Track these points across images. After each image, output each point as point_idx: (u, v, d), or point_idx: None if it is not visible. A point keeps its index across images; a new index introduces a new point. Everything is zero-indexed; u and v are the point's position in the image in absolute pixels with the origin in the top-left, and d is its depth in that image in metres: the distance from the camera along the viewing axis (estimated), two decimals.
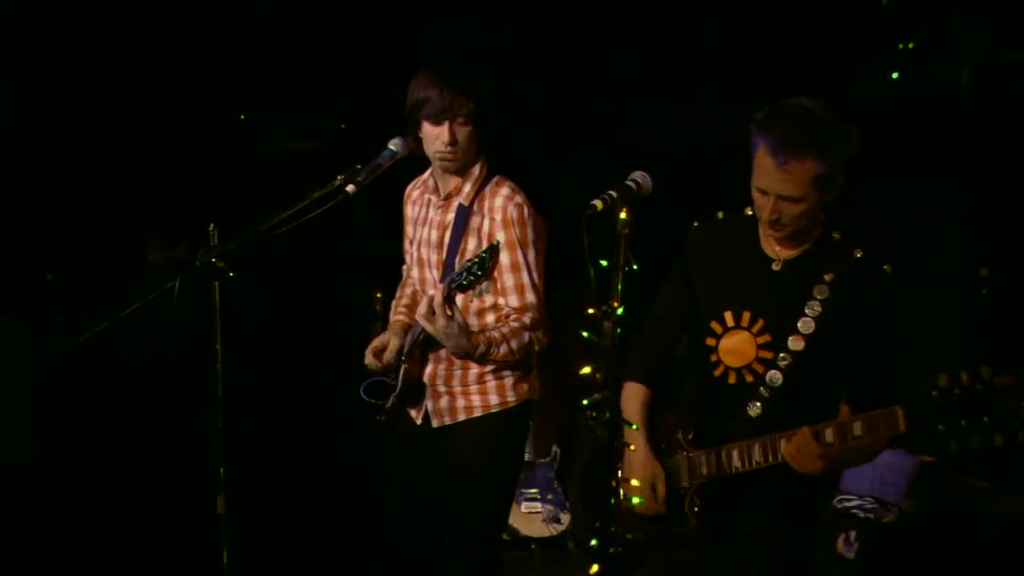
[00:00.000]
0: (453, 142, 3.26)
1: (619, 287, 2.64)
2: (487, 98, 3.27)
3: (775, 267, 2.83)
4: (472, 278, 3.13)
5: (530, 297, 3.31)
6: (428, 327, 3.21)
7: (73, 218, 5.34)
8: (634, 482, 2.94)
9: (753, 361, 2.80)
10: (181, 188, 5.37)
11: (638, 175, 2.78)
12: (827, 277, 2.73)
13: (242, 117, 5.67)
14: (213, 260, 3.03)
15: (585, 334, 3.04)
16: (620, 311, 2.64)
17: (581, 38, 5.54)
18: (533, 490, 4.79)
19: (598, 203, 2.66)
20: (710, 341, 2.87)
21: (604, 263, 2.81)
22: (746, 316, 2.83)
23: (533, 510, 4.76)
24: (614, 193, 2.69)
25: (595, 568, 2.75)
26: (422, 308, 3.18)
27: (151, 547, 4.52)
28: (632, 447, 2.95)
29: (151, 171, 5.40)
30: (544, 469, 4.83)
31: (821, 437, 2.57)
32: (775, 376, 2.76)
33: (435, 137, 3.27)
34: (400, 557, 3.60)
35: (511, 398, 3.43)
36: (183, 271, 3.04)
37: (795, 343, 2.75)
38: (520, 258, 3.30)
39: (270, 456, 4.99)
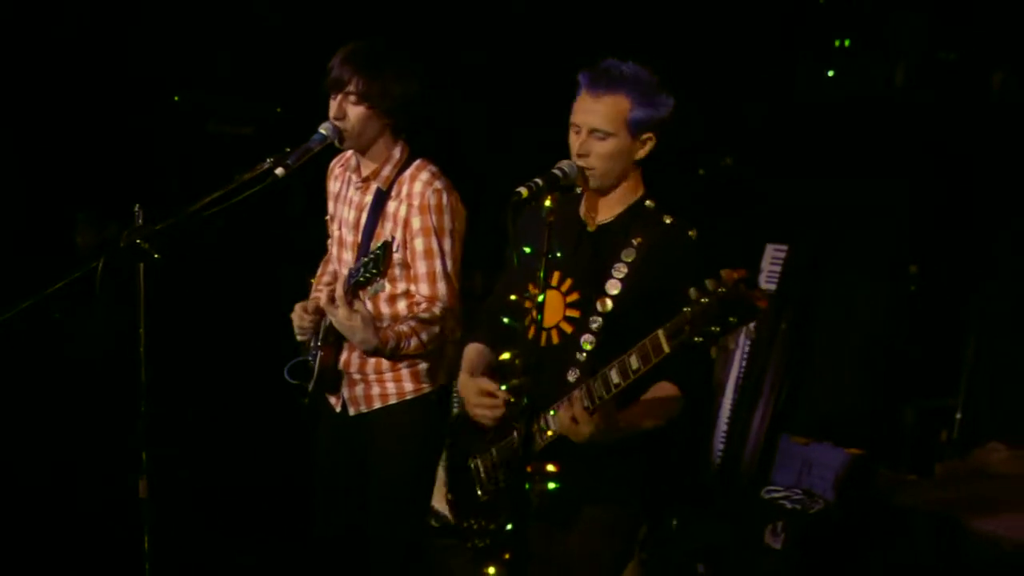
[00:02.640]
0: (339, 116, 3.24)
1: (542, 274, 2.67)
2: (386, 81, 3.23)
3: (588, 230, 2.90)
4: (368, 275, 3.12)
5: (441, 286, 3.29)
6: (331, 317, 3.20)
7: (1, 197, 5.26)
8: (470, 402, 2.98)
9: (561, 320, 2.85)
10: (114, 169, 5.30)
11: (565, 164, 2.81)
12: (635, 241, 2.80)
13: (176, 99, 5.60)
14: (138, 242, 2.98)
15: (505, 320, 3.03)
16: (541, 298, 2.67)
17: (525, 26, 5.57)
18: None
19: (523, 190, 2.68)
20: (528, 304, 2.88)
21: (528, 250, 2.83)
22: (556, 276, 2.89)
23: None
24: (540, 181, 2.72)
25: (492, 570, 2.79)
26: (324, 297, 3.17)
27: (72, 532, 4.48)
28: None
29: (83, 151, 5.32)
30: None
31: (608, 380, 2.61)
32: (588, 340, 2.81)
33: (331, 110, 3.26)
34: (323, 544, 3.59)
35: (426, 385, 3.43)
36: (106, 253, 2.99)
37: (603, 305, 2.81)
38: (435, 245, 3.27)
39: (194, 441, 4.97)
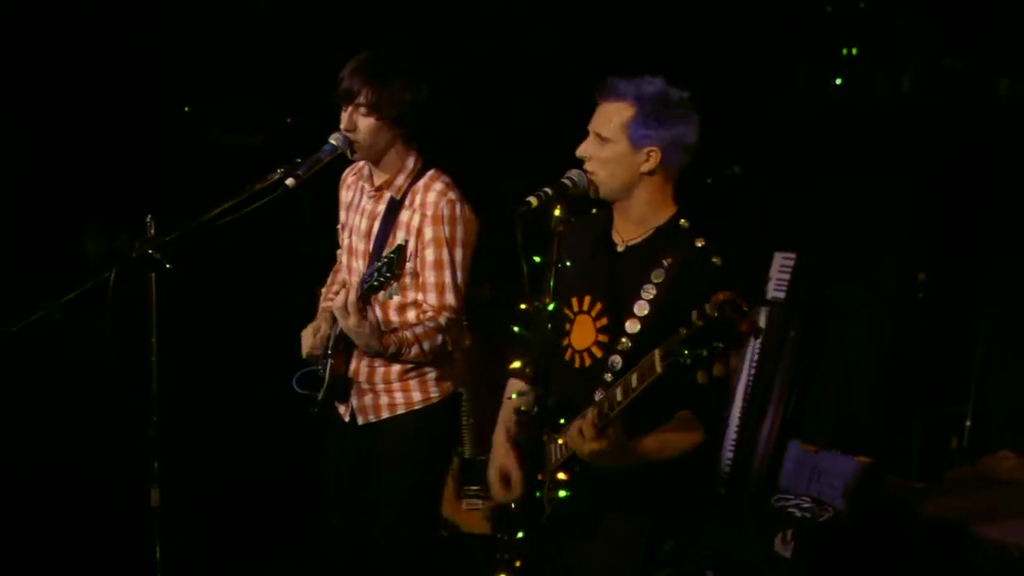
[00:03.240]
0: (350, 128, 3.26)
1: (551, 283, 2.67)
2: (395, 91, 3.23)
3: (619, 250, 2.87)
4: (382, 279, 3.11)
5: (449, 297, 3.30)
6: (341, 322, 3.21)
7: (10, 205, 5.26)
8: (490, 476, 3.03)
9: (592, 344, 2.83)
10: (123, 178, 5.31)
11: (574, 173, 2.81)
12: (665, 262, 2.76)
13: (186, 109, 5.62)
14: (149, 252, 3.00)
15: (516, 329, 3.03)
16: (551, 307, 2.67)
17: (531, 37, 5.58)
18: (475, 487, 4.77)
19: (533, 200, 2.69)
20: (567, 326, 2.89)
21: (537, 259, 2.83)
22: (587, 300, 2.87)
23: (474, 507, 4.75)
24: (549, 190, 2.73)
25: None
26: (338, 301, 3.18)
27: (83, 541, 4.49)
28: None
29: (94, 160, 5.34)
30: (486, 465, 4.83)
31: (613, 397, 2.60)
32: (616, 360, 2.78)
33: (342, 122, 3.28)
34: (332, 553, 3.60)
35: (434, 394, 3.44)
36: (118, 262, 3.01)
37: (632, 326, 2.77)
38: (446, 256, 3.28)
39: (206, 450, 4.98)
